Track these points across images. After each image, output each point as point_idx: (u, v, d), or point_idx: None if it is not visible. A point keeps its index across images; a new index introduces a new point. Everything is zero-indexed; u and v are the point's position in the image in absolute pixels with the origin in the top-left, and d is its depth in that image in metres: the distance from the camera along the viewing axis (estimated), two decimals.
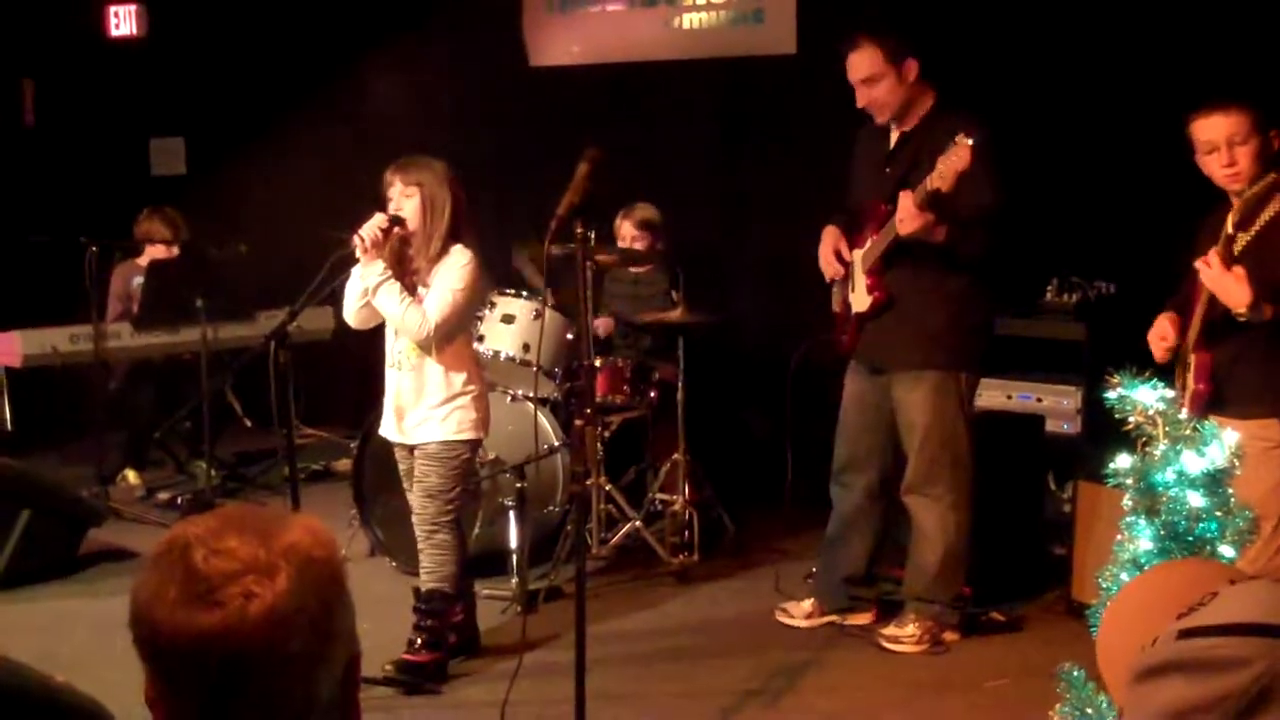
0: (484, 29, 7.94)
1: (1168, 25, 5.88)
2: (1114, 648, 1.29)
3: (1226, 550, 2.98)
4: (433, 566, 4.72)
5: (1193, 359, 3.73)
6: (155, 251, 7.22)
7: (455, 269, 4.62)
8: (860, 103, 4.88)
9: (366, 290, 4.61)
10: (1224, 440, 2.97)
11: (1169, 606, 1.19)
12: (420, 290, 4.64)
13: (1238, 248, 3.68)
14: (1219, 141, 3.79)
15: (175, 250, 7.22)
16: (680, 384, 5.94)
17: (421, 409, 4.70)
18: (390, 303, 4.58)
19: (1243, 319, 3.61)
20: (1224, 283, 3.60)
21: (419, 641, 4.72)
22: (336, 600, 1.48)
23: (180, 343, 7.02)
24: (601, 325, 6.47)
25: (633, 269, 6.64)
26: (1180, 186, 4.20)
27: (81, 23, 8.96)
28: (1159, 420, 2.97)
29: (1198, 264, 3.69)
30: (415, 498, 4.75)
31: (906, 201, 4.57)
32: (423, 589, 4.75)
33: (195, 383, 6.88)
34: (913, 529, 5.04)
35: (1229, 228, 3.63)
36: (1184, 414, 3.04)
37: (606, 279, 6.69)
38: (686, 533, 5.93)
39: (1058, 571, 5.35)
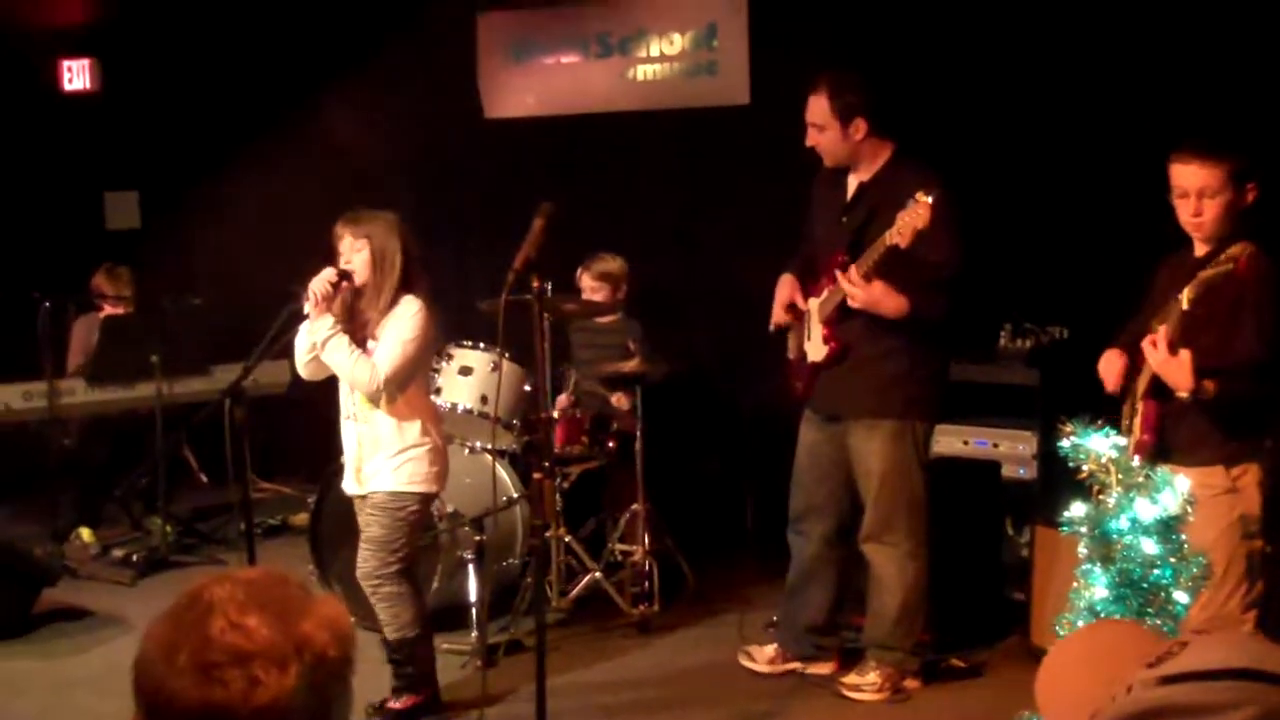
0: (440, 80, 7.96)
1: (1121, 69, 5.95)
2: (1059, 701, 1.29)
3: (1181, 596, 3.01)
4: (388, 618, 4.70)
5: (1140, 407, 3.75)
6: (109, 308, 7.19)
7: (405, 319, 4.59)
8: (808, 143, 4.93)
9: (315, 345, 4.59)
10: (1176, 487, 3.01)
11: (1122, 658, 1.20)
12: (370, 343, 4.61)
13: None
14: (1190, 190, 3.78)
15: (126, 308, 7.19)
16: (639, 433, 5.93)
17: (378, 460, 4.67)
18: (339, 357, 4.56)
19: (1185, 400, 3.63)
20: (1168, 367, 3.61)
21: (399, 687, 4.75)
22: (339, 698, 1.49)
23: (135, 398, 6.94)
24: (564, 400, 6.45)
25: (598, 320, 6.63)
26: (1132, 230, 4.21)
27: (35, 78, 8.94)
28: (1112, 468, 3.01)
29: (1144, 344, 3.69)
30: (360, 550, 4.72)
31: (851, 283, 4.62)
32: (389, 639, 4.74)
33: (150, 438, 6.82)
34: (871, 577, 5.03)
35: (1184, 303, 3.59)
36: (1136, 461, 3.08)
37: (571, 331, 6.68)
38: (647, 583, 5.90)
39: (1017, 616, 5.35)
